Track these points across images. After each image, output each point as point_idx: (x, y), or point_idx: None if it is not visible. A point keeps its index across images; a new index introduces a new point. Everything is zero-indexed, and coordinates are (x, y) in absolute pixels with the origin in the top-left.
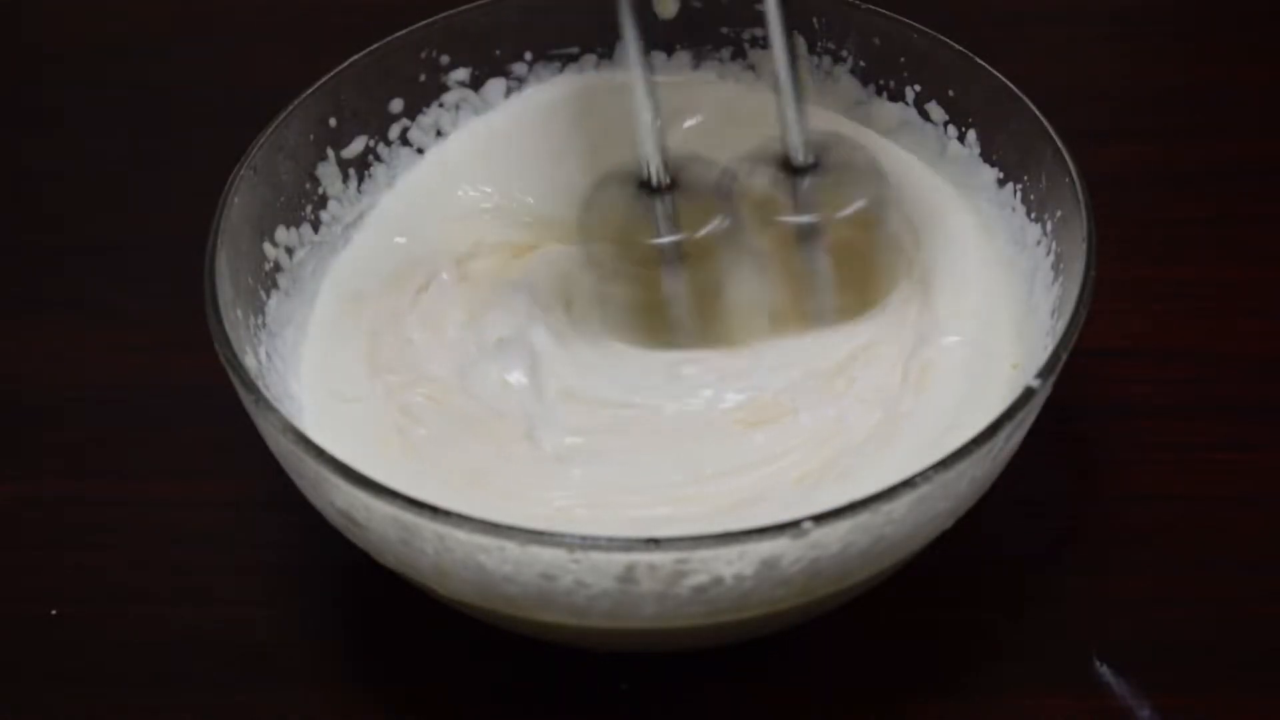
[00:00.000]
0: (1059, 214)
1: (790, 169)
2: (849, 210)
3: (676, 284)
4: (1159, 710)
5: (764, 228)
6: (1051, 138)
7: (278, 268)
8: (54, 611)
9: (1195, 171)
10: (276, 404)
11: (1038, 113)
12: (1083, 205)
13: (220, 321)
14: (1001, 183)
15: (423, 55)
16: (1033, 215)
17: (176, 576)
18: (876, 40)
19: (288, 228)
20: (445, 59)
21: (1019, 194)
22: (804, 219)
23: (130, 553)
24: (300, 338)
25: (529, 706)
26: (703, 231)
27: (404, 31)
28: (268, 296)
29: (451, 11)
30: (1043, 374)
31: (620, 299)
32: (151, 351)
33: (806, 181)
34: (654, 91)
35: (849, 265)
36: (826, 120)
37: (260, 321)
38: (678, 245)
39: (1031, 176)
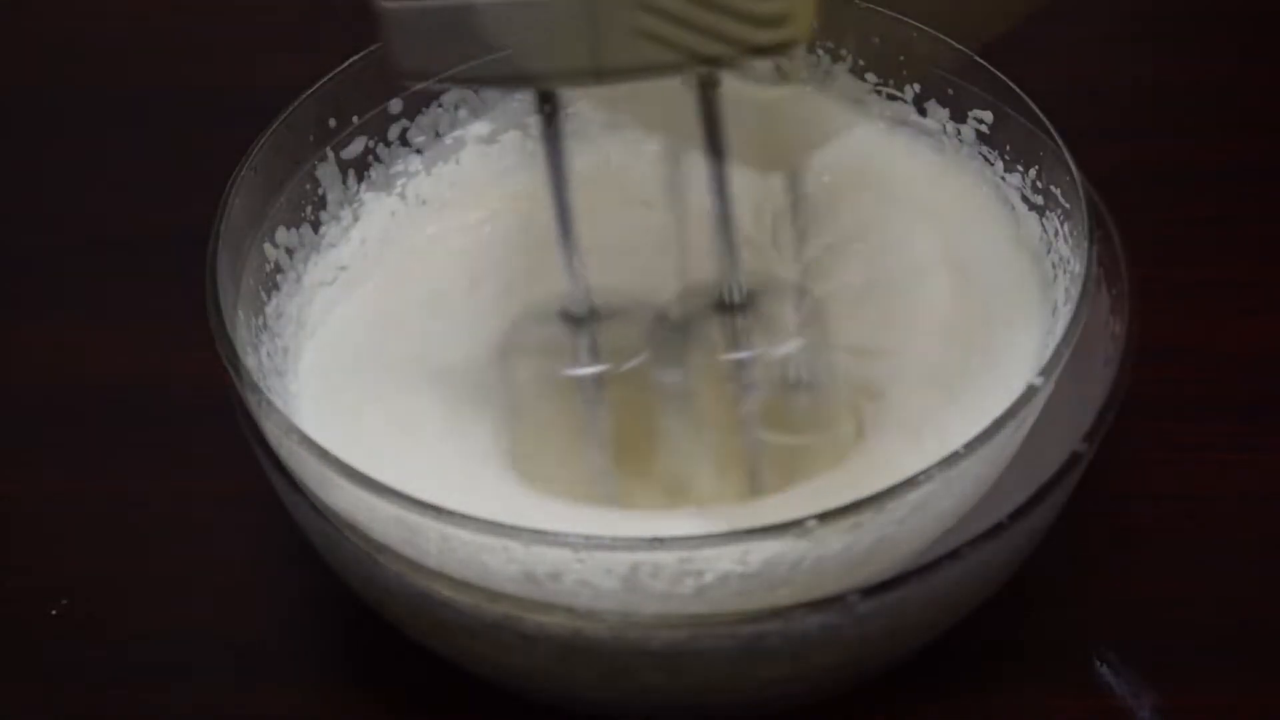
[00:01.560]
0: (1060, 212)
1: (724, 307)
2: (786, 348)
3: (602, 421)
4: (1159, 710)
5: (699, 369)
6: (1052, 135)
7: (278, 268)
8: (54, 611)
9: (1197, 169)
10: (279, 404)
11: (1038, 111)
12: (1084, 203)
13: (222, 323)
14: (1004, 181)
15: (440, 110)
16: (1033, 213)
17: (179, 573)
18: (875, 39)
19: (288, 228)
20: (463, 113)
21: (1020, 193)
22: (738, 355)
23: (132, 549)
24: (301, 337)
25: (530, 705)
26: (628, 365)
27: (421, 85)
28: (268, 297)
29: (471, 63)
30: (1045, 372)
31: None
32: (153, 349)
33: (740, 319)
34: (572, 217)
35: (792, 402)
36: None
37: (261, 322)
38: (600, 378)
39: (1032, 175)
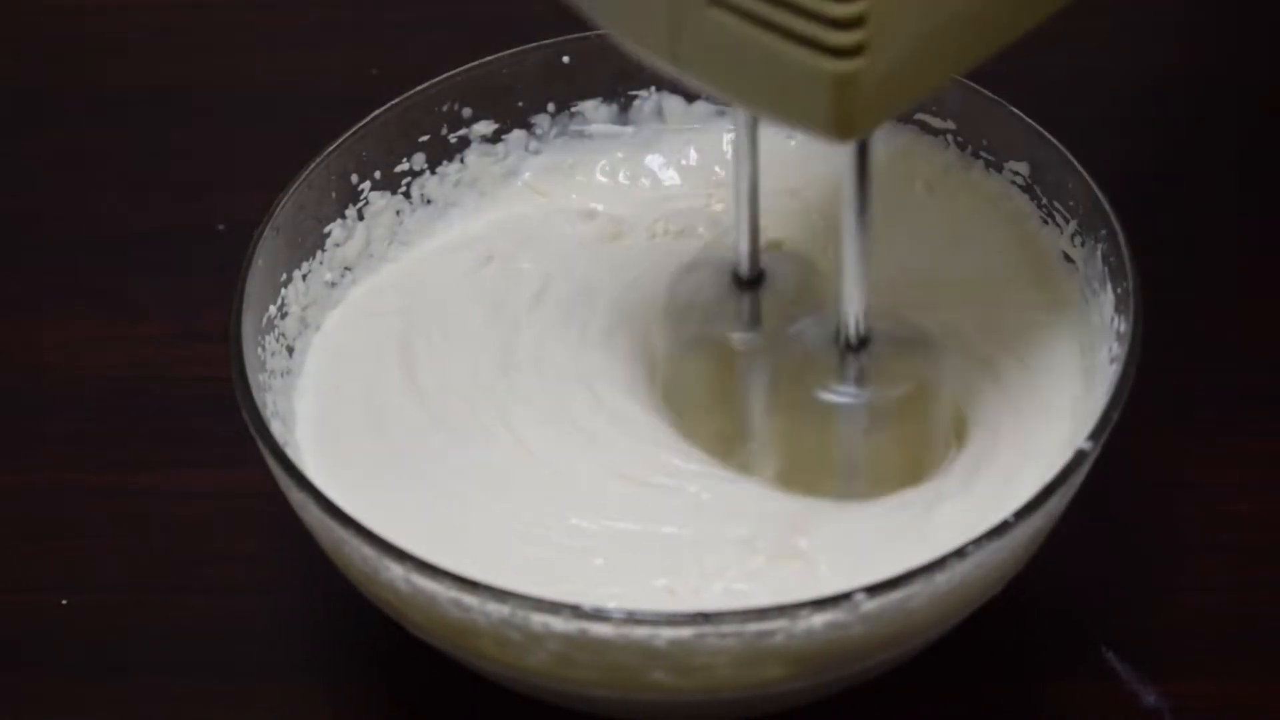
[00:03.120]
0: (1072, 207)
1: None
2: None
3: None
4: (1164, 696)
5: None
6: (1049, 137)
7: (282, 267)
8: (64, 602)
9: (1201, 162)
10: (284, 401)
11: (1031, 122)
12: (1089, 202)
13: (228, 322)
14: (1018, 189)
15: (444, 109)
16: (1045, 218)
17: (185, 567)
18: None
19: (293, 227)
20: (468, 112)
21: (1029, 198)
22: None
23: (139, 543)
24: (306, 335)
25: (535, 703)
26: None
27: (426, 85)
28: (273, 296)
29: (473, 64)
30: (1094, 436)
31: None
32: (157, 343)
33: (856, 358)
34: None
35: (891, 446)
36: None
37: (265, 321)
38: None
39: (1043, 180)
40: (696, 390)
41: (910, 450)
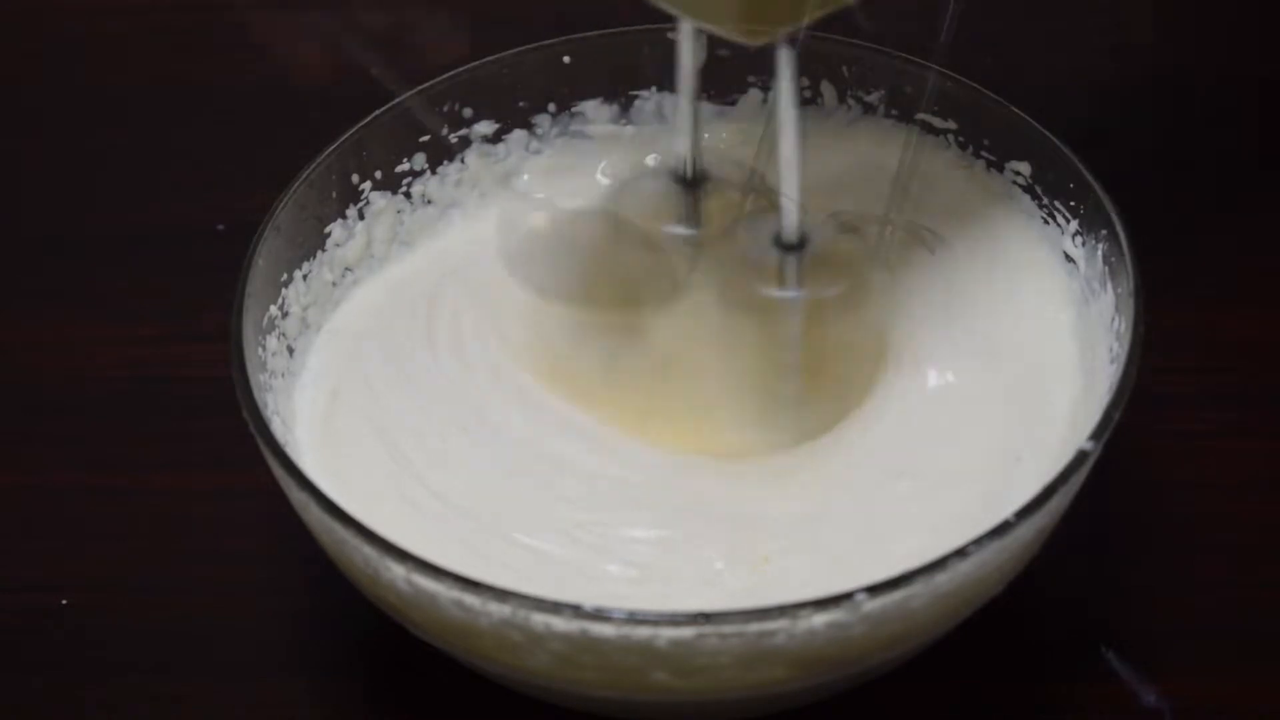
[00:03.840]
0: (1073, 207)
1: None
2: (831, 291)
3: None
4: (1164, 695)
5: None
6: (1051, 137)
7: (284, 268)
8: (64, 602)
9: (1201, 162)
10: (284, 402)
11: (1034, 122)
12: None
13: (229, 323)
14: (1020, 189)
15: (445, 109)
16: (1046, 218)
17: (185, 567)
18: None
19: (294, 227)
20: (468, 112)
21: (1030, 198)
22: (785, 294)
23: (139, 543)
24: (307, 336)
25: (536, 703)
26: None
27: (426, 85)
28: (275, 297)
29: (473, 64)
30: (1095, 436)
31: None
32: (157, 343)
33: (792, 259)
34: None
35: (825, 349)
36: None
37: (266, 322)
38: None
39: (1044, 180)
40: (641, 290)
41: (843, 352)
